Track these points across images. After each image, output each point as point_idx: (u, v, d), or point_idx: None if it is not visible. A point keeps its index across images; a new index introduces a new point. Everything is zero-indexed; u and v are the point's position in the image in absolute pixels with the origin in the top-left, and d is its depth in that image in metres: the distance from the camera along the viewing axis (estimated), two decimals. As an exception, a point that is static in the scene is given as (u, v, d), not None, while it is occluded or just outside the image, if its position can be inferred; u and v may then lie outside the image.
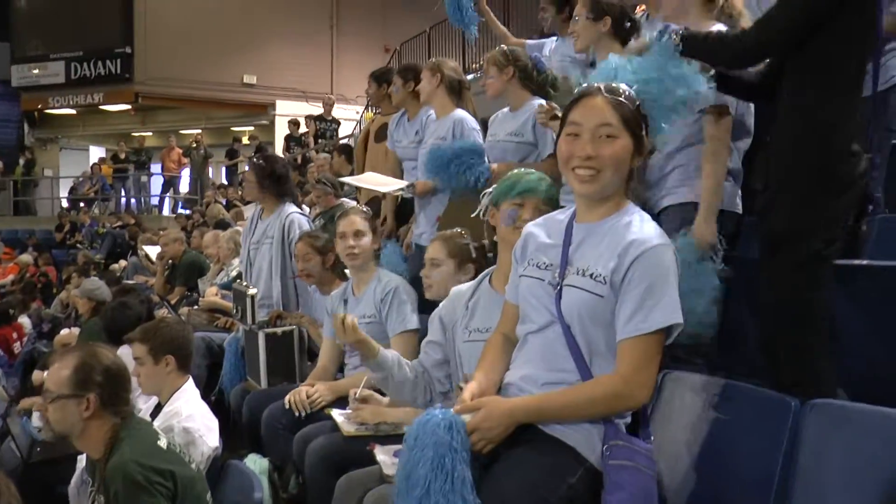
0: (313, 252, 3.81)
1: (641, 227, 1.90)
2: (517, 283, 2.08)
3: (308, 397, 3.21)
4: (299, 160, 12.07)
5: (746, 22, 2.73)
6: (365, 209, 3.51)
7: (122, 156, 17.69)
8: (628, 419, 1.94)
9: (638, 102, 1.95)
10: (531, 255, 2.06)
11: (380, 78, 5.14)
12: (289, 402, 3.22)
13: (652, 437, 1.96)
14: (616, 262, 1.86)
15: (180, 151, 17.02)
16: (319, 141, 11.59)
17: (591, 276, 1.89)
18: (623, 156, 1.91)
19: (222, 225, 8.46)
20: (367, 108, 14.12)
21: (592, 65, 3.22)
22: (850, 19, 2.18)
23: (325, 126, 11.87)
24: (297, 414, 3.19)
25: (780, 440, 1.95)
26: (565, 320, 1.91)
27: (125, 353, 3.05)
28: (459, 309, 2.57)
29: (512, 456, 1.87)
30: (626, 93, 1.94)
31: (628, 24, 3.14)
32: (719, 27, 2.67)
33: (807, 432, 1.92)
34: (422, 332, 2.96)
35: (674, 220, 2.70)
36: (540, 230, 2.09)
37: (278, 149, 16.70)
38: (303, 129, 13.57)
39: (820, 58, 2.20)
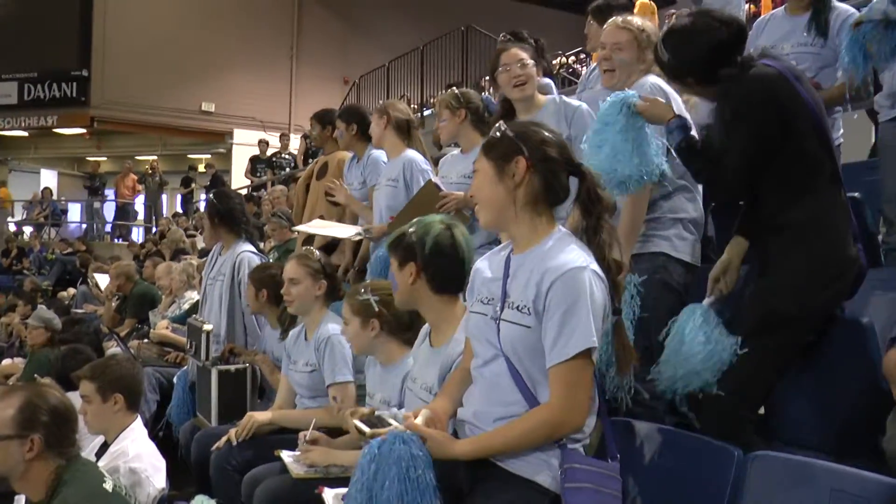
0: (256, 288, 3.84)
1: (559, 252, 1.93)
2: (468, 319, 2.13)
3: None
4: (269, 185, 11.52)
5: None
6: (316, 254, 3.50)
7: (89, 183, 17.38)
8: (586, 441, 1.97)
9: (505, 129, 2.04)
10: (477, 291, 2.11)
11: (323, 119, 5.16)
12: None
13: (618, 455, 2.00)
14: (535, 291, 1.91)
15: (136, 178, 16.78)
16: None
17: (517, 308, 1.94)
18: (484, 186, 2.02)
19: (180, 252, 8.37)
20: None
21: None
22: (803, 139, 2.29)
23: None
24: (233, 442, 3.24)
25: (724, 489, 1.99)
26: (506, 353, 1.96)
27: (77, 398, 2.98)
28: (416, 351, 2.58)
29: (477, 498, 1.92)
30: (501, 126, 2.06)
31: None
32: (647, 78, 2.78)
33: (749, 482, 1.97)
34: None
35: (646, 268, 2.72)
36: (485, 265, 2.14)
37: (237, 175, 16.61)
38: (270, 149, 13.29)
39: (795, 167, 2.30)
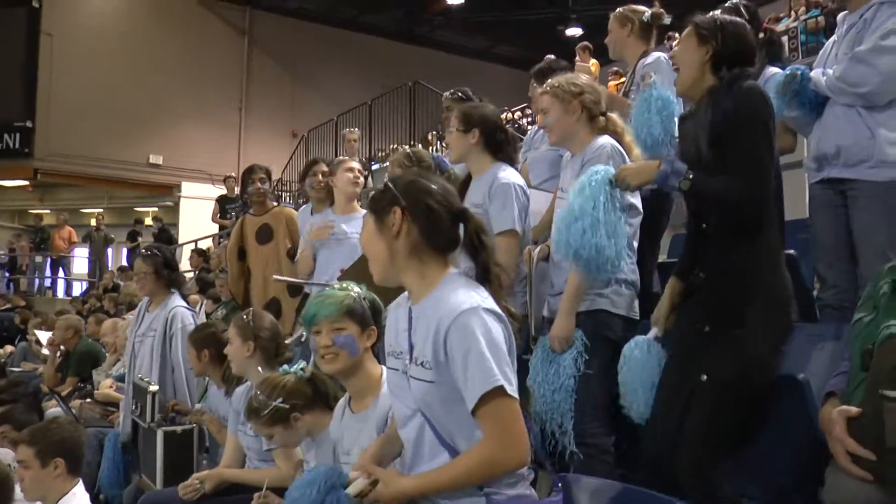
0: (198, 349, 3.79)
1: (449, 298, 1.91)
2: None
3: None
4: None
5: (629, 138, 2.98)
6: (244, 316, 3.44)
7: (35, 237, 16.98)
8: (521, 489, 1.94)
9: (387, 182, 2.06)
10: (391, 343, 2.10)
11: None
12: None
13: (560, 484, 2.02)
14: (433, 345, 1.90)
15: (71, 230, 16.41)
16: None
17: (421, 364, 1.93)
18: (368, 240, 2.03)
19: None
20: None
21: None
22: None
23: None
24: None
25: (673, 544, 2.01)
26: (421, 409, 1.96)
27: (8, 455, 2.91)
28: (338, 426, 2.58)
29: None
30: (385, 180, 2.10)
31: (501, 137, 3.37)
32: (606, 139, 2.91)
33: (695, 535, 2.01)
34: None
35: (589, 326, 2.88)
36: (395, 314, 2.12)
37: (185, 229, 16.41)
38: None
39: None
